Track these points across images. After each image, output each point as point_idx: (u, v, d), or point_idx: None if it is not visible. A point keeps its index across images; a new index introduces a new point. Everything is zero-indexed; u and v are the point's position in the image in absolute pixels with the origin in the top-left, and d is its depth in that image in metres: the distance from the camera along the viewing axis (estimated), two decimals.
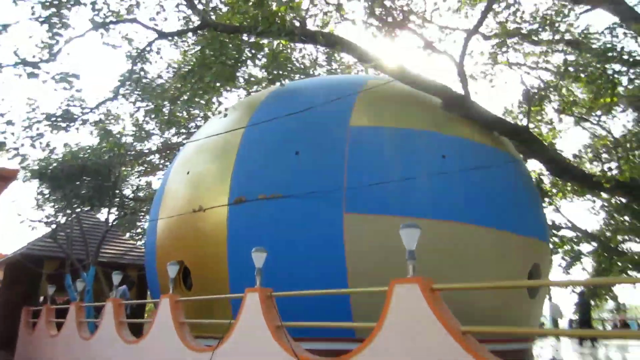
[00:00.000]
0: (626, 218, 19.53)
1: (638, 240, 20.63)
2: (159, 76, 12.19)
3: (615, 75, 9.65)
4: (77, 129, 10.39)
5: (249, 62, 11.38)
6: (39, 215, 12.63)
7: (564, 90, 12.92)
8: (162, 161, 19.02)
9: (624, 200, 14.52)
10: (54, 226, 12.54)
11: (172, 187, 10.43)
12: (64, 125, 10.12)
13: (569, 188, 15.72)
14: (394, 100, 9.79)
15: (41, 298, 13.24)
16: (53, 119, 9.91)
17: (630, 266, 18.43)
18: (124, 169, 13.79)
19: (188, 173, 10.02)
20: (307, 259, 8.20)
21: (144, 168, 18.35)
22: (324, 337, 7.40)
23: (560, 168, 10.57)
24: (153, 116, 15.18)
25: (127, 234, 20.95)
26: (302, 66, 15.36)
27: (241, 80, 11.68)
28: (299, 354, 4.45)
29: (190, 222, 9.37)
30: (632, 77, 9.52)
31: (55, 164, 11.91)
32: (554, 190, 15.03)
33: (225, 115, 9.87)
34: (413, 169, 8.59)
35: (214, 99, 11.53)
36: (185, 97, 10.29)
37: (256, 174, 8.91)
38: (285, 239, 8.38)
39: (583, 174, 10.90)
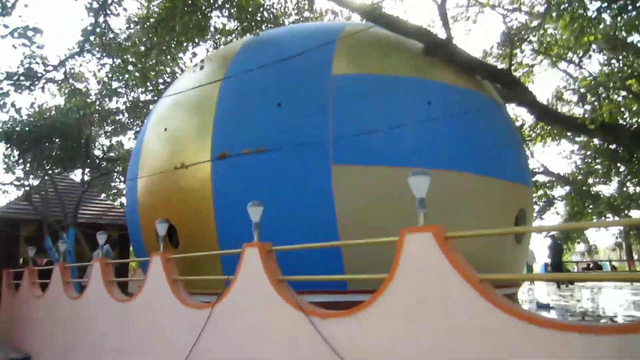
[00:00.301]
0: (598, 161, 20.10)
1: (609, 183, 21.31)
2: (125, 30, 11.47)
3: (597, 14, 9.50)
4: (42, 88, 9.75)
5: (218, 12, 10.79)
6: (9, 178, 12.17)
7: (542, 31, 12.72)
8: (131, 120, 18.38)
9: (596, 141, 14.73)
10: (27, 189, 12.07)
11: (149, 145, 10.06)
12: (27, 84, 9.49)
13: (544, 132, 15.88)
14: (375, 46, 9.46)
15: (20, 260, 12.94)
16: (15, 78, 9.27)
17: (602, 210, 19.04)
18: (93, 128, 13.23)
19: (165, 130, 9.65)
20: (296, 212, 8.08)
21: (112, 128, 17.71)
22: (316, 289, 7.41)
23: (542, 111, 10.57)
24: (118, 74, 14.50)
25: (102, 195, 20.52)
26: (271, 16, 14.78)
27: (212, 31, 11.07)
28: (305, 308, 4.39)
29: (172, 180, 9.10)
30: (614, 13, 9.39)
31: (21, 126, 11.33)
32: (533, 135, 15.14)
33: (202, 67, 9.41)
34: (399, 116, 8.43)
35: (183, 53, 10.91)
36: (156, 51, 9.72)
37: (238, 127, 8.62)
38: (272, 193, 8.18)
39: (564, 117, 10.94)
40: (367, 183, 8.08)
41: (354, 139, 8.11)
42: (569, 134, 13.74)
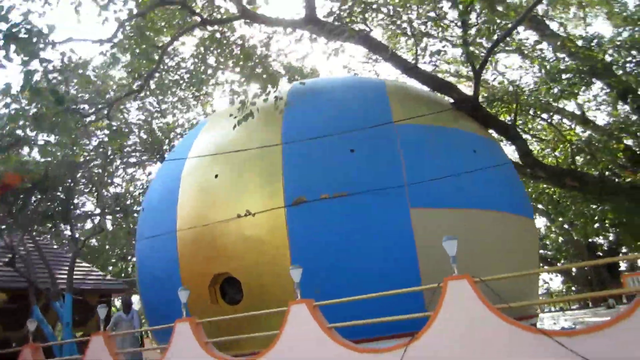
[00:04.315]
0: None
1: None
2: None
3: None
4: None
5: None
6: None
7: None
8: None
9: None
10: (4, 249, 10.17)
11: (190, 194, 9.37)
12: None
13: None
14: (418, 100, 10.23)
15: None
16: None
17: None
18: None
19: (216, 177, 9.13)
20: (378, 256, 8.14)
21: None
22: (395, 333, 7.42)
23: (535, 163, 12.01)
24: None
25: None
26: None
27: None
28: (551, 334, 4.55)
29: (232, 229, 8.58)
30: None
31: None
32: None
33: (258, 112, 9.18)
34: (456, 163, 9.08)
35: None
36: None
37: (311, 173, 8.56)
38: (354, 238, 8.20)
39: (550, 167, 12.53)
40: (442, 224, 8.45)
41: (425, 184, 8.53)
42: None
